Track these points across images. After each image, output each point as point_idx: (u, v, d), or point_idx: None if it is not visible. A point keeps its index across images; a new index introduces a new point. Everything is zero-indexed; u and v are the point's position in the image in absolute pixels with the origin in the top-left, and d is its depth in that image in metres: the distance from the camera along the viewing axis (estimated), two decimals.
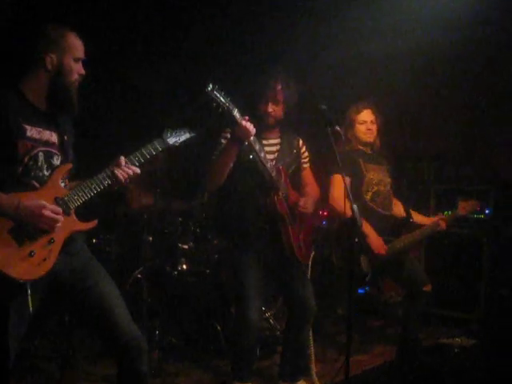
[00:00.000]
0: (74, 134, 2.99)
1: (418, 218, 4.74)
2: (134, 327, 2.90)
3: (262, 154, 3.56)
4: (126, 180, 2.87)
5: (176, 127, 3.15)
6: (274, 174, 3.63)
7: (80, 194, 2.76)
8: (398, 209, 4.77)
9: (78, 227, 2.80)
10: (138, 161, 2.93)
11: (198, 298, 4.75)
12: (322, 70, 6.22)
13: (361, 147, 4.55)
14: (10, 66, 2.91)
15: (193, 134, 3.19)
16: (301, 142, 3.93)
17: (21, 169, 2.65)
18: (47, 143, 2.76)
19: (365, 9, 5.62)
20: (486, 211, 5.72)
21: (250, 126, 3.41)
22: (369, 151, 4.58)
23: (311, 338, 3.93)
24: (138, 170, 2.91)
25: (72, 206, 2.74)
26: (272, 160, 3.72)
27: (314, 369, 4.04)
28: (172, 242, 5.01)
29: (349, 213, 3.34)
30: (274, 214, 3.67)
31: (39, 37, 2.75)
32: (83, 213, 2.85)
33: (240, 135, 3.44)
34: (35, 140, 2.70)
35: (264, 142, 3.73)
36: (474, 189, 5.79)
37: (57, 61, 2.74)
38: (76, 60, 2.80)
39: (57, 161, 2.80)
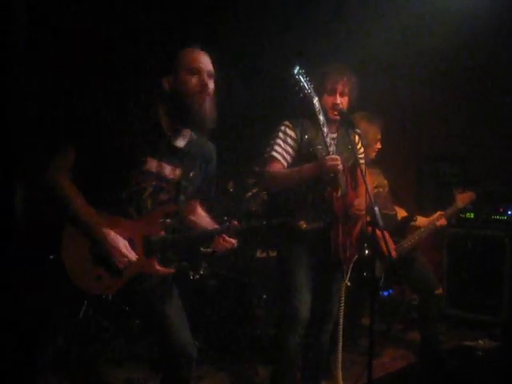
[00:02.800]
0: (210, 169, 2.92)
1: (420, 220, 4.79)
2: (188, 334, 2.94)
3: (331, 149, 3.45)
4: (223, 248, 2.90)
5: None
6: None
7: (169, 240, 2.74)
8: (401, 212, 4.83)
9: (151, 270, 2.71)
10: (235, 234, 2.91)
11: (221, 301, 4.76)
12: None
13: None
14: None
15: None
16: (357, 137, 3.73)
17: (125, 195, 2.63)
18: (162, 178, 2.68)
19: (373, 10, 5.64)
20: (509, 212, 5.68)
21: (337, 158, 3.36)
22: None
23: (340, 342, 3.87)
24: (234, 243, 2.92)
25: (155, 249, 2.68)
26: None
27: (340, 373, 4.00)
28: (193, 246, 5.01)
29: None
30: (328, 211, 3.55)
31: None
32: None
33: (327, 167, 3.36)
34: (151, 174, 2.65)
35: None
36: (496, 190, 5.75)
37: (172, 80, 2.64)
38: (192, 72, 2.64)
39: (164, 196, 2.72)
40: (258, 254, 5.21)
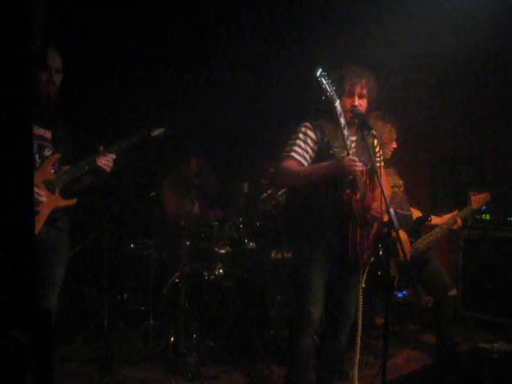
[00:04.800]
0: (68, 133, 3.67)
1: (434, 219, 4.77)
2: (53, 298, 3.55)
3: (351, 151, 3.43)
4: (105, 166, 3.55)
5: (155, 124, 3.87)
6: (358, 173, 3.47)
7: (64, 177, 3.49)
8: (416, 212, 4.81)
9: (60, 203, 3.51)
10: (116, 150, 3.61)
11: (235, 302, 4.78)
12: None
13: None
14: None
15: (169, 132, 3.89)
16: (376, 140, 3.70)
17: None
18: (41, 138, 3.48)
19: (381, 13, 5.65)
20: None
21: (355, 159, 3.37)
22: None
23: (359, 344, 3.85)
24: (113, 156, 3.59)
25: (56, 186, 3.47)
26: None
27: (356, 375, 3.98)
28: (209, 247, 5.04)
29: (385, 217, 3.34)
30: (347, 213, 3.52)
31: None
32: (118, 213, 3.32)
33: (346, 167, 3.37)
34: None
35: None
36: (511, 191, 5.73)
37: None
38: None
39: (48, 152, 3.51)
40: (273, 254, 5.23)
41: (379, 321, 5.21)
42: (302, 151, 3.56)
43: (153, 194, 5.19)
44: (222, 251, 5.00)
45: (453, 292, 4.70)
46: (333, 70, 3.57)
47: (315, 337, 3.67)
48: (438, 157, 6.63)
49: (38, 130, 3.48)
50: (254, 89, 6.35)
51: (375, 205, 3.58)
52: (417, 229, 4.65)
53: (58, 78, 3.50)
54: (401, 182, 4.71)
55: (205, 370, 4.42)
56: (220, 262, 4.93)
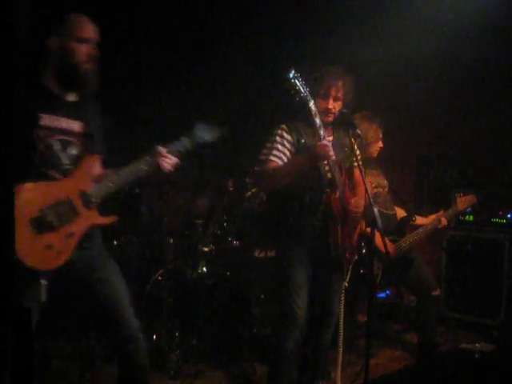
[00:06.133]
0: (102, 125, 3.00)
1: (419, 219, 4.80)
2: (136, 322, 2.96)
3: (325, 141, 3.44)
4: (169, 169, 2.93)
5: (207, 124, 3.16)
6: (335, 170, 3.51)
7: (106, 189, 2.81)
8: (400, 212, 4.84)
9: (98, 221, 2.83)
10: (180, 151, 2.99)
11: (218, 299, 4.77)
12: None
13: None
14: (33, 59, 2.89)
15: (220, 134, 3.20)
16: (353, 140, 3.69)
17: (37, 158, 2.67)
18: (65, 131, 2.77)
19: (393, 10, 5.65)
20: (508, 215, 5.68)
21: (328, 144, 3.37)
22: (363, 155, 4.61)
23: (342, 343, 3.86)
24: (178, 161, 2.96)
25: (94, 200, 2.78)
26: None
27: (339, 374, 3.98)
28: (192, 244, 5.02)
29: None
30: (326, 212, 3.56)
31: (45, 23, 2.77)
32: (105, 214, 2.91)
33: (319, 152, 3.37)
34: (51, 128, 2.71)
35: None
36: (495, 193, 5.76)
37: (58, 43, 2.75)
38: (79, 40, 2.77)
39: (74, 150, 2.81)
40: (256, 253, 5.22)
41: (361, 318, 5.22)
42: (279, 153, 3.60)
43: (137, 190, 5.16)
44: (206, 249, 4.97)
45: (436, 292, 4.73)
46: (311, 70, 3.60)
47: (299, 336, 3.66)
48: (422, 157, 6.65)
49: (60, 121, 2.76)
50: (244, 86, 6.34)
51: (354, 200, 3.63)
52: (401, 228, 4.67)
53: (97, 54, 2.85)
54: (385, 182, 4.73)
55: (187, 368, 4.41)
56: (203, 260, 4.91)
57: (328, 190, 3.55)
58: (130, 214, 5.30)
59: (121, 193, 3.03)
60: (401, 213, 4.83)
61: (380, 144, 4.60)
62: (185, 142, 3.02)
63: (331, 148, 3.37)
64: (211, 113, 6.03)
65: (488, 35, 5.69)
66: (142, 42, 5.75)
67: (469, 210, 5.38)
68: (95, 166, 2.88)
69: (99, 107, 3.02)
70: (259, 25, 6.01)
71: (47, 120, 2.70)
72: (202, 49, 6.13)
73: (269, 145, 3.64)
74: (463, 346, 4.86)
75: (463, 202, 4.86)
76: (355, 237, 3.78)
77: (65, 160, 2.76)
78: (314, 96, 3.48)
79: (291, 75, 3.26)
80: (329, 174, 3.54)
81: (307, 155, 3.48)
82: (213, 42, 6.10)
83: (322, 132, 3.41)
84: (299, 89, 3.28)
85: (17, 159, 2.63)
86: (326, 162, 3.48)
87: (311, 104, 3.35)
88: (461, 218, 5.82)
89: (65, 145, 2.77)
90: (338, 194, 3.54)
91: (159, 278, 4.82)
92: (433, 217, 4.82)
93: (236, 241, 5.14)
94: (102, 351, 4.41)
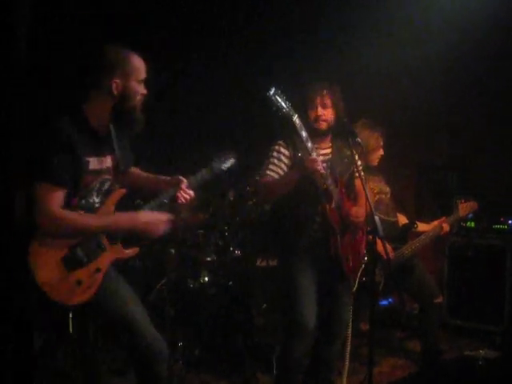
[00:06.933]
0: (131, 156, 3.05)
1: (421, 226, 4.79)
2: (153, 330, 2.95)
3: (314, 154, 3.50)
4: (183, 202, 3.00)
5: (223, 152, 3.28)
6: (329, 182, 3.58)
7: None
8: (402, 219, 4.84)
9: (121, 255, 2.89)
10: (197, 184, 3.06)
11: (221, 309, 4.76)
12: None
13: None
14: (73, 90, 2.88)
15: (235, 160, 3.32)
16: (354, 150, 3.77)
17: (76, 198, 2.71)
18: (105, 171, 2.81)
19: (371, 17, 5.67)
20: (510, 222, 5.68)
21: (317, 159, 3.43)
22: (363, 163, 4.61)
23: (348, 353, 3.86)
24: (192, 193, 3.02)
25: (121, 235, 2.84)
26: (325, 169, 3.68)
27: (345, 382, 3.98)
28: (194, 254, 5.02)
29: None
30: (324, 224, 3.63)
31: (103, 61, 2.70)
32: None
33: (308, 167, 3.43)
34: (97, 171, 2.75)
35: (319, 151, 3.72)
36: (496, 199, 5.76)
37: (122, 85, 2.71)
38: (140, 82, 2.78)
39: (107, 185, 2.85)
40: (258, 262, 5.22)
41: (364, 327, 5.21)
42: (275, 168, 3.70)
43: (137, 201, 5.15)
44: (208, 259, 4.98)
45: (439, 299, 4.72)
46: (295, 88, 3.70)
47: (306, 345, 3.68)
48: (421, 165, 6.66)
49: (104, 161, 2.79)
50: (245, 96, 6.34)
51: (354, 210, 3.70)
52: (403, 235, 4.66)
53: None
54: (388, 189, 4.73)
55: (190, 378, 4.40)
56: (205, 270, 4.91)
57: (323, 201, 3.61)
58: None
59: None
60: (403, 219, 4.82)
61: (381, 152, 4.61)
62: (204, 174, 3.11)
63: (319, 163, 3.43)
64: (211, 123, 6.06)
65: (484, 40, 5.69)
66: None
67: (470, 216, 5.37)
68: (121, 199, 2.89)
69: (127, 141, 3.03)
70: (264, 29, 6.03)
71: (94, 163, 2.73)
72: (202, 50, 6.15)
73: (266, 161, 3.74)
74: (467, 353, 4.85)
75: (464, 208, 4.86)
76: (363, 245, 3.84)
77: (96, 197, 2.80)
78: (305, 107, 3.62)
79: (271, 93, 3.29)
80: (324, 186, 3.59)
81: (296, 169, 3.56)
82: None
83: (309, 144, 3.47)
84: (280, 105, 3.31)
85: (17, 159, 2.70)
86: (317, 175, 3.52)
87: (295, 118, 3.39)
88: (462, 224, 5.81)
89: (102, 183, 2.82)
90: (333, 204, 3.61)
91: (161, 287, 4.82)
92: (435, 223, 4.81)
93: (238, 250, 5.14)
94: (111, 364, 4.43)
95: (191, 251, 5.08)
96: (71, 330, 2.71)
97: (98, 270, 2.75)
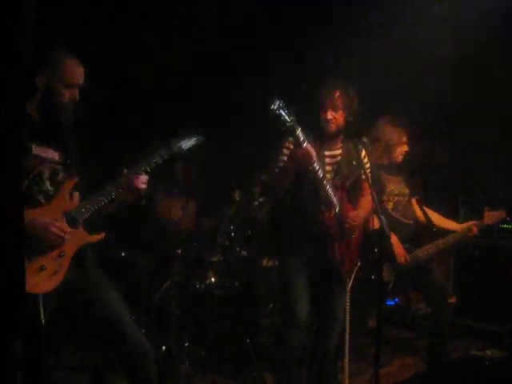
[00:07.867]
0: (79, 150, 3.09)
1: (448, 224, 4.76)
2: (140, 336, 3.02)
3: (320, 173, 3.54)
4: (141, 185, 3.06)
5: (185, 133, 3.25)
6: (329, 189, 3.60)
7: (88, 207, 2.91)
8: (433, 215, 4.74)
9: (86, 240, 2.93)
10: (145, 170, 3.08)
11: (227, 310, 4.77)
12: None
13: (378, 160, 4.52)
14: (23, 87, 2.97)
15: (201, 139, 3.27)
16: (363, 152, 3.78)
17: (25, 184, 2.75)
18: (52, 161, 2.88)
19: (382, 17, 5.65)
20: None
21: (311, 149, 3.43)
22: (385, 163, 4.58)
23: (347, 350, 3.87)
24: (145, 178, 3.08)
25: (80, 219, 2.88)
26: (330, 172, 3.74)
27: (347, 381, 3.99)
28: (200, 255, 5.03)
29: (376, 224, 3.36)
30: (322, 230, 3.67)
31: (40, 59, 2.82)
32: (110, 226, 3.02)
33: (300, 157, 3.45)
34: (42, 158, 2.83)
35: (326, 152, 3.74)
36: (502, 199, 5.74)
37: (46, 81, 2.82)
38: (67, 86, 2.86)
39: (59, 177, 2.92)
40: (265, 262, 5.22)
41: (372, 323, 5.19)
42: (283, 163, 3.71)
43: (143, 202, 5.15)
44: (214, 259, 4.98)
45: (452, 300, 4.65)
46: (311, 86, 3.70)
47: (301, 341, 3.73)
48: (430, 168, 6.63)
49: (48, 152, 2.88)
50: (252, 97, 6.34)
51: (352, 214, 3.74)
52: (418, 237, 4.60)
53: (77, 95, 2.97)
54: (407, 190, 4.66)
55: (197, 379, 4.41)
56: (212, 271, 4.91)
57: (324, 207, 3.65)
58: (138, 226, 5.30)
59: (104, 213, 3.05)
60: (434, 216, 4.73)
61: (405, 148, 4.54)
62: (161, 152, 3.12)
63: (314, 154, 3.43)
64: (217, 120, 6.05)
65: (478, 41, 5.66)
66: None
67: (496, 226, 5.31)
68: (76, 190, 2.97)
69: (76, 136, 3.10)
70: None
71: (37, 150, 2.81)
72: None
73: (277, 157, 3.76)
74: (473, 352, 4.84)
75: (491, 216, 4.72)
76: (354, 247, 3.85)
77: (50, 186, 2.87)
78: (316, 110, 3.65)
79: (276, 106, 3.28)
80: (325, 193, 3.61)
81: (291, 157, 3.56)
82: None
83: (301, 134, 3.45)
84: (284, 119, 3.31)
85: (17, 160, 2.72)
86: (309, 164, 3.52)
87: (298, 131, 3.38)
88: None
89: (52, 173, 2.88)
90: (333, 212, 3.65)
91: (168, 289, 4.82)
92: (464, 225, 4.73)
93: (244, 251, 5.14)
94: (111, 363, 4.42)
95: (197, 252, 5.08)
96: (43, 319, 2.71)
97: (61, 254, 2.80)
